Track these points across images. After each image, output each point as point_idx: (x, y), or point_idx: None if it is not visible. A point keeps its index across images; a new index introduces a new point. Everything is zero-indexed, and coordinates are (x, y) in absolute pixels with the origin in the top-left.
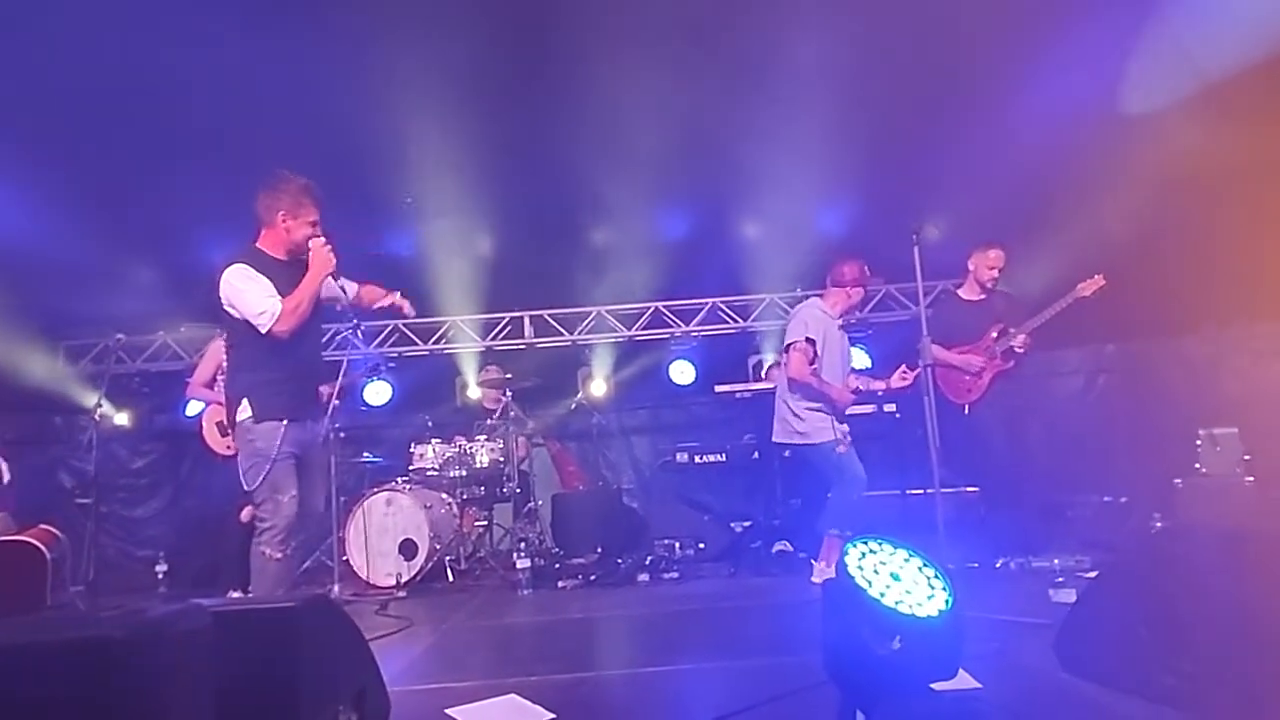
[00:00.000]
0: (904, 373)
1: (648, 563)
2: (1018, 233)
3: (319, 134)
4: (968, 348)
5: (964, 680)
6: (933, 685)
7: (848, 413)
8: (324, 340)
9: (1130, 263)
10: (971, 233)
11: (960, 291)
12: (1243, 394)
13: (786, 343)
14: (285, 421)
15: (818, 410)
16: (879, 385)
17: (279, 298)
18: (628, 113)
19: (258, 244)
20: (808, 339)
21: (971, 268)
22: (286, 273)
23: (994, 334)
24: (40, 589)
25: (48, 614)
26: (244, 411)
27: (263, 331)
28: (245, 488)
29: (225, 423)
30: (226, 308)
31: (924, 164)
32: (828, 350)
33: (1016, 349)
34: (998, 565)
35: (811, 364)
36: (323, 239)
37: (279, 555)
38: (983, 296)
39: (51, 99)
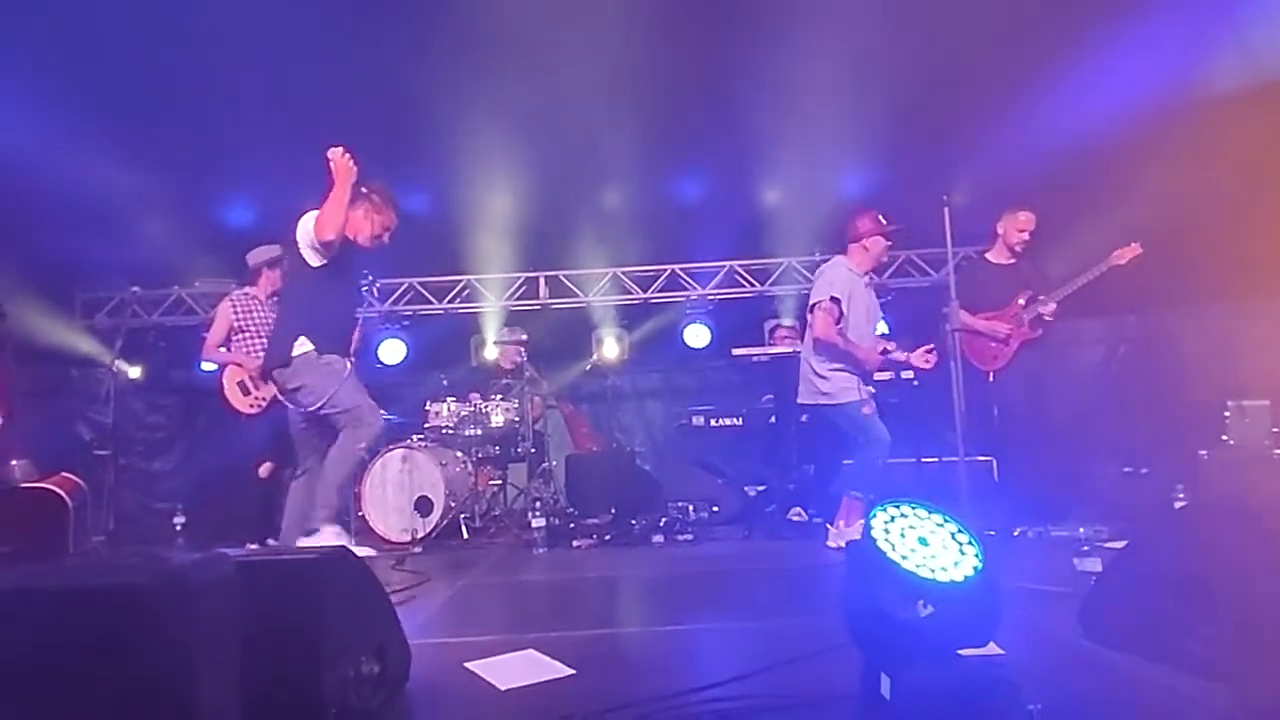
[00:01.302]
0: (926, 355)
1: (661, 524)
2: (1046, 200)
3: (346, 95)
4: (994, 314)
5: (988, 646)
6: (959, 651)
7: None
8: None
9: (1156, 233)
10: (998, 200)
11: (989, 255)
12: (1268, 367)
13: (811, 302)
14: (346, 360)
15: (843, 370)
16: (900, 356)
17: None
18: (646, 72)
19: None
20: (833, 298)
21: (1001, 231)
22: (345, 247)
23: (1022, 301)
24: (62, 536)
25: (72, 560)
26: (302, 346)
27: (314, 240)
28: (311, 407)
29: (247, 382)
30: (298, 245)
31: (952, 129)
32: (854, 308)
33: (1046, 317)
34: (1015, 534)
35: (837, 323)
36: (350, 161)
37: (365, 453)
38: (1011, 261)
39: (88, 40)
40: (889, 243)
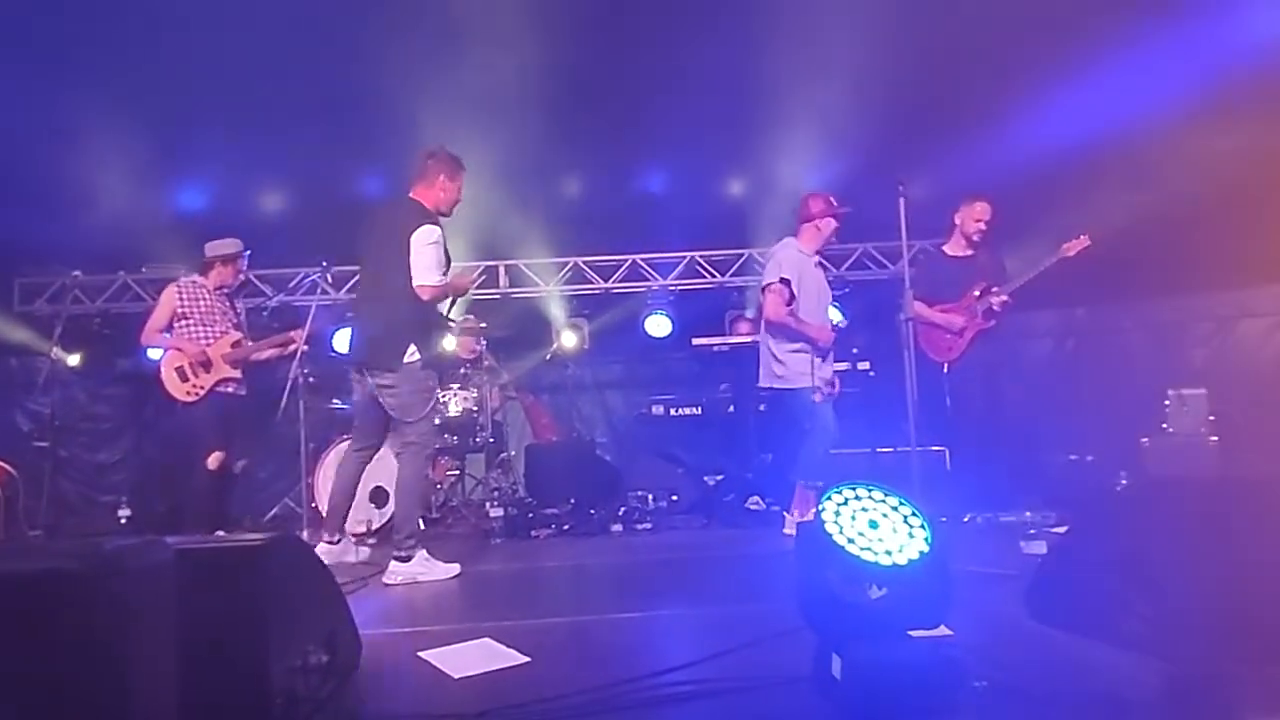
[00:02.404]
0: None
1: (621, 514)
2: (1000, 195)
3: (300, 83)
4: (950, 306)
5: (938, 628)
6: (909, 632)
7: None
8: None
9: (1106, 231)
10: (955, 193)
11: (945, 248)
12: (1208, 358)
13: (762, 285)
14: (429, 358)
15: (799, 353)
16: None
17: (439, 274)
18: (607, 61)
19: (413, 195)
20: (782, 279)
21: (958, 221)
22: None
23: (976, 292)
24: None
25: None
26: (412, 354)
27: (414, 284)
28: (406, 419)
29: (186, 368)
30: (411, 253)
31: (911, 122)
32: (804, 288)
33: (995, 307)
34: (965, 520)
35: (788, 304)
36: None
37: (431, 472)
38: (969, 253)
39: (33, 15)
40: (838, 224)
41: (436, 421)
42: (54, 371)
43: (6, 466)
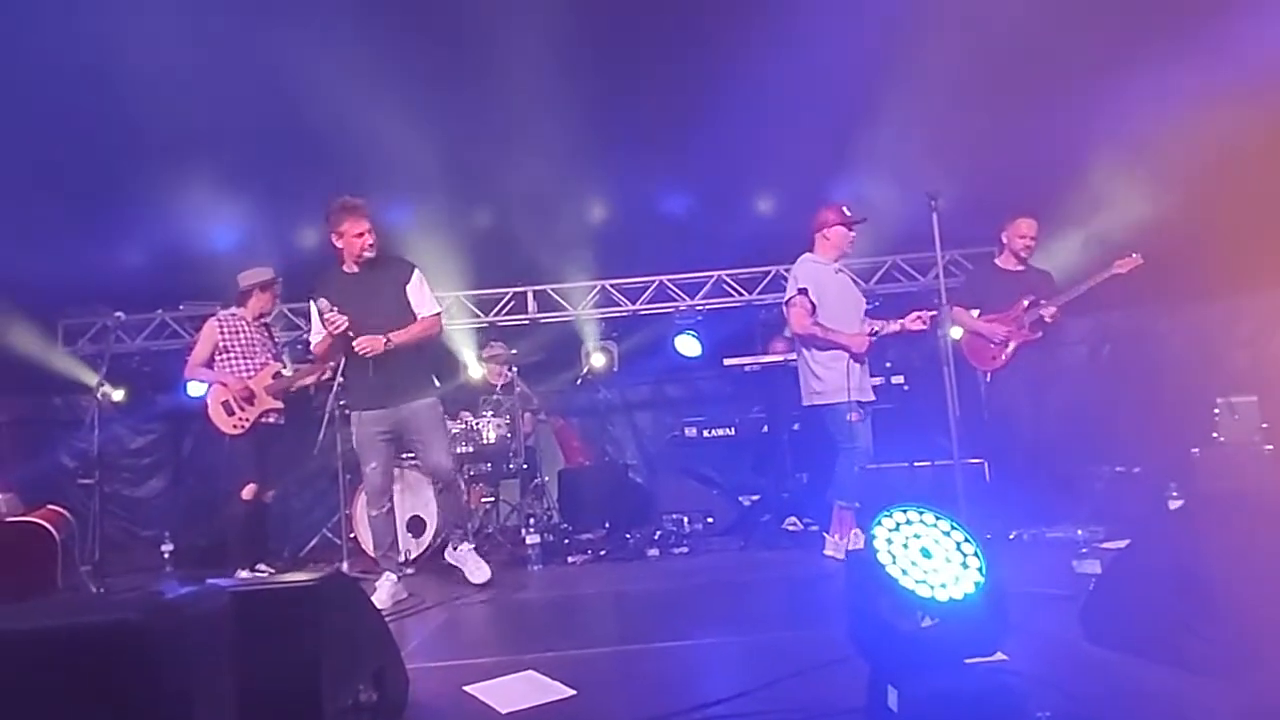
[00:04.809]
0: (918, 317)
1: (656, 537)
2: (1034, 202)
3: (324, 115)
4: (996, 315)
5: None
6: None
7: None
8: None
9: (1140, 232)
10: (986, 204)
11: (997, 260)
12: (1253, 363)
13: (784, 301)
14: (358, 412)
15: (837, 368)
16: (894, 326)
17: (319, 332)
18: (630, 81)
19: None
20: (800, 290)
21: (1005, 240)
22: (354, 282)
23: (1024, 303)
24: (50, 571)
25: (61, 597)
26: None
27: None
28: None
29: (231, 402)
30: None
31: (940, 134)
32: (826, 297)
33: (1047, 320)
34: (1011, 537)
35: (811, 315)
36: (333, 315)
37: (373, 512)
38: (1020, 268)
39: (37, 81)
40: (851, 232)
41: (372, 467)
42: (100, 409)
43: (62, 510)
